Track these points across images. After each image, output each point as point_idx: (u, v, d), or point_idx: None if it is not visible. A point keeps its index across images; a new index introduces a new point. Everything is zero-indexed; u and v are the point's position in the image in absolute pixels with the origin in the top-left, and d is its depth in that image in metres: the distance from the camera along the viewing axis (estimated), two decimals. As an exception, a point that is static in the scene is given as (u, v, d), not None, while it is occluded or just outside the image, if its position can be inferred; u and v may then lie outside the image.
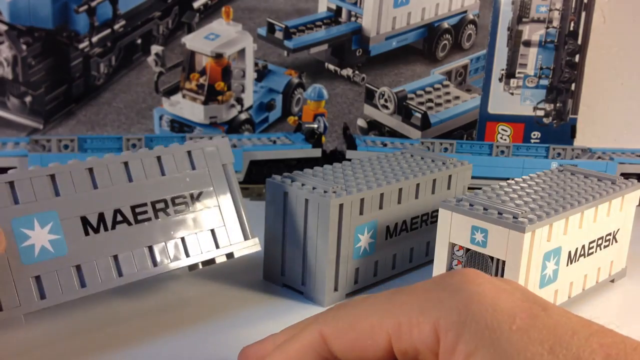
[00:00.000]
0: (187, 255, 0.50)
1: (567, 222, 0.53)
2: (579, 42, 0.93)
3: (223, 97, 0.90)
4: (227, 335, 0.50)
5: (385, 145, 0.87)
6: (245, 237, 0.53)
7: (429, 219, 0.63)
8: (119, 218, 0.47)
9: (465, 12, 0.95)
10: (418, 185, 0.60)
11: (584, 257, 0.56)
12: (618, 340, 0.26)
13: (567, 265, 0.54)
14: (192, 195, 0.51)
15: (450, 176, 0.64)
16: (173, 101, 0.90)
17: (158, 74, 0.89)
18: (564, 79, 0.95)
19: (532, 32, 0.93)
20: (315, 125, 0.88)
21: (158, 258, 0.48)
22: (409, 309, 0.29)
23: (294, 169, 0.63)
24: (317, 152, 0.85)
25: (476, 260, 0.52)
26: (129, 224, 0.47)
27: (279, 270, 0.58)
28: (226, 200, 0.52)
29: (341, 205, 0.53)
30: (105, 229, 0.46)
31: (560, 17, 0.93)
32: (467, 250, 0.52)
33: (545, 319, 0.27)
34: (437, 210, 0.56)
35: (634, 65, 1.02)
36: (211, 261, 0.52)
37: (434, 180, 0.62)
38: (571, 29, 0.93)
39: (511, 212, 0.50)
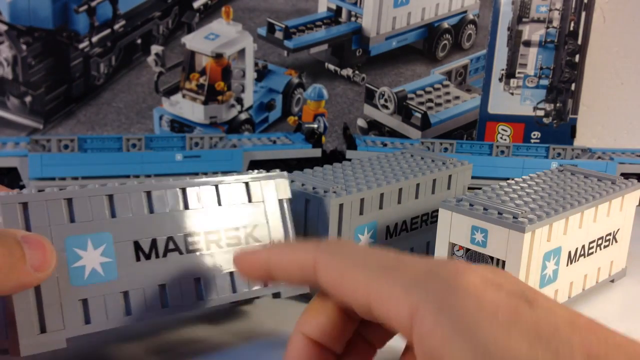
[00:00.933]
0: (234, 291, 0.47)
1: (567, 222, 0.53)
2: (579, 42, 0.93)
3: (223, 97, 0.90)
4: (225, 335, 0.50)
5: (385, 145, 0.87)
6: None
7: (429, 219, 0.63)
8: (171, 246, 0.45)
9: (465, 12, 0.95)
10: (418, 185, 0.60)
11: (584, 257, 0.56)
12: (602, 338, 0.26)
13: (567, 265, 0.54)
14: (245, 229, 0.48)
15: (450, 176, 0.64)
16: (173, 101, 0.90)
17: (158, 74, 0.89)
18: (564, 79, 0.95)
19: (532, 32, 0.93)
20: (315, 125, 0.88)
21: (204, 292, 0.46)
22: (394, 283, 0.30)
23: (294, 169, 0.63)
24: (317, 152, 0.85)
25: (476, 260, 0.52)
26: (180, 253, 0.45)
27: (279, 270, 0.58)
28: (278, 236, 0.50)
29: (341, 205, 0.53)
30: (157, 256, 0.44)
31: (560, 17, 0.93)
32: (467, 250, 0.52)
33: (529, 316, 0.27)
34: (437, 210, 0.56)
35: (634, 65, 1.02)
36: (256, 298, 0.50)
37: (434, 180, 0.62)
38: (571, 29, 0.93)
39: (511, 212, 0.50)
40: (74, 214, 0.42)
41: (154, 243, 0.44)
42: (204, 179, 0.48)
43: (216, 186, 0.48)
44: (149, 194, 0.45)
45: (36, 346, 0.39)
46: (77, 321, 0.41)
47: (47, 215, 0.41)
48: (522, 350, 0.25)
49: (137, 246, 0.43)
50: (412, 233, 0.61)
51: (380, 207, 0.57)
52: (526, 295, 0.28)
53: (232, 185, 0.48)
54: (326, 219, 0.53)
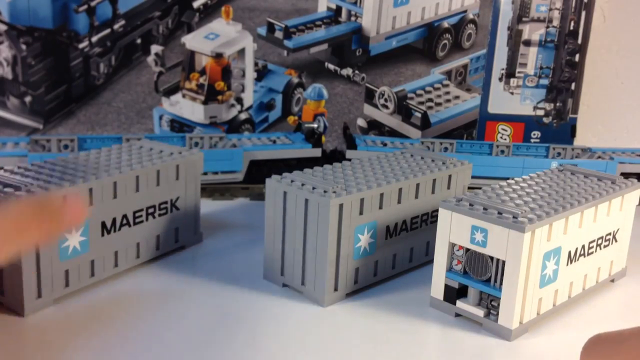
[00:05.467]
0: (158, 249, 0.63)
1: (567, 222, 0.53)
2: (579, 41, 0.93)
3: (223, 97, 0.90)
4: (226, 335, 0.50)
5: (385, 145, 0.87)
6: (196, 232, 0.67)
7: (429, 219, 0.63)
8: (124, 221, 0.58)
9: (465, 11, 0.95)
10: (418, 185, 0.60)
11: (584, 256, 0.56)
12: None
13: (567, 265, 0.54)
14: (172, 201, 0.63)
15: (450, 176, 0.64)
16: (173, 101, 0.90)
17: (158, 74, 0.89)
18: (564, 79, 0.95)
19: (532, 32, 0.93)
20: (315, 125, 0.88)
21: (141, 251, 0.61)
22: None
23: (294, 169, 0.63)
24: (317, 152, 0.85)
25: (476, 260, 0.52)
26: (129, 225, 0.59)
27: (279, 270, 0.58)
28: (192, 199, 0.65)
29: (341, 205, 0.53)
30: (115, 231, 0.57)
31: (560, 17, 0.93)
32: (467, 250, 0.52)
33: None
34: (437, 210, 0.56)
35: (634, 65, 1.02)
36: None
37: (434, 180, 0.62)
38: (571, 28, 0.93)
39: (511, 212, 0.50)
40: None
41: (113, 221, 0.57)
42: (149, 166, 0.59)
43: (157, 171, 0.60)
44: (115, 184, 0.56)
45: (34, 308, 0.51)
46: (61, 286, 0.53)
47: None
48: None
49: (103, 225, 0.56)
50: (412, 233, 0.61)
51: (380, 207, 0.57)
52: None
53: (167, 169, 0.61)
54: (326, 219, 0.53)
